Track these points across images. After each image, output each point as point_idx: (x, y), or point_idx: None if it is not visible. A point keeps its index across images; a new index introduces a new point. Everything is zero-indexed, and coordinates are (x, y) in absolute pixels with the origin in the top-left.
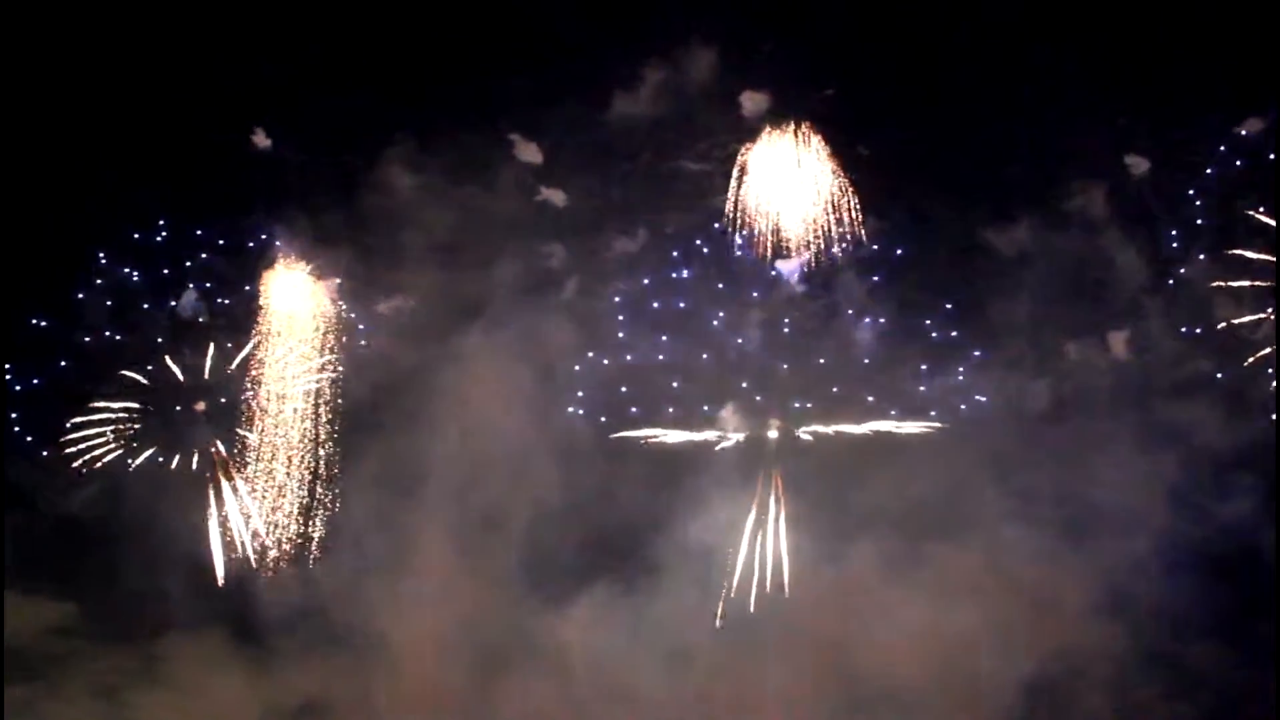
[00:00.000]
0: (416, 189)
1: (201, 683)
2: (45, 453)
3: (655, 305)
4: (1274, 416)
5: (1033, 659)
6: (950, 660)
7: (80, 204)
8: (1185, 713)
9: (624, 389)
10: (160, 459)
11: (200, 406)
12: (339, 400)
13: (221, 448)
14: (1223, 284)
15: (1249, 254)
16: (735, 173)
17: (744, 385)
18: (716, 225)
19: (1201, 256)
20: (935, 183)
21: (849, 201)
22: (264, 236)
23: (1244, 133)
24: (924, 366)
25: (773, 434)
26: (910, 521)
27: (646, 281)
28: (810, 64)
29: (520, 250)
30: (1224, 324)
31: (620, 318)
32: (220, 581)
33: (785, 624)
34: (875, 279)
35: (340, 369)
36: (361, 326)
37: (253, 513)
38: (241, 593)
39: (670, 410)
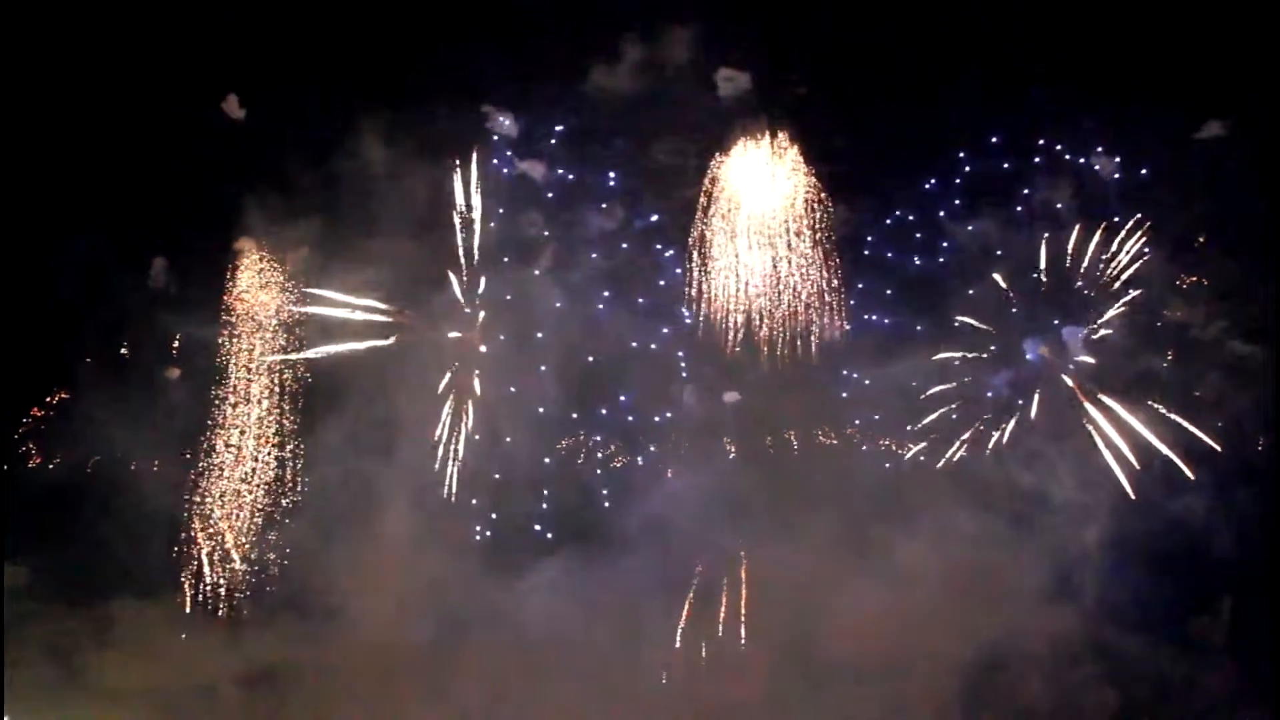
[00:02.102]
0: (390, 161)
1: (157, 646)
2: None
3: (628, 286)
4: (1274, 415)
5: (975, 641)
6: (898, 639)
7: (46, 177)
8: (1111, 699)
9: (591, 358)
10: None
11: (175, 372)
12: (302, 376)
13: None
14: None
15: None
16: (705, 185)
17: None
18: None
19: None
20: (902, 175)
21: (821, 198)
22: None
23: (1203, 136)
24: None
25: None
26: (863, 506)
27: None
28: (785, 54)
29: (496, 222)
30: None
31: (593, 295)
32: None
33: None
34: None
35: (304, 342)
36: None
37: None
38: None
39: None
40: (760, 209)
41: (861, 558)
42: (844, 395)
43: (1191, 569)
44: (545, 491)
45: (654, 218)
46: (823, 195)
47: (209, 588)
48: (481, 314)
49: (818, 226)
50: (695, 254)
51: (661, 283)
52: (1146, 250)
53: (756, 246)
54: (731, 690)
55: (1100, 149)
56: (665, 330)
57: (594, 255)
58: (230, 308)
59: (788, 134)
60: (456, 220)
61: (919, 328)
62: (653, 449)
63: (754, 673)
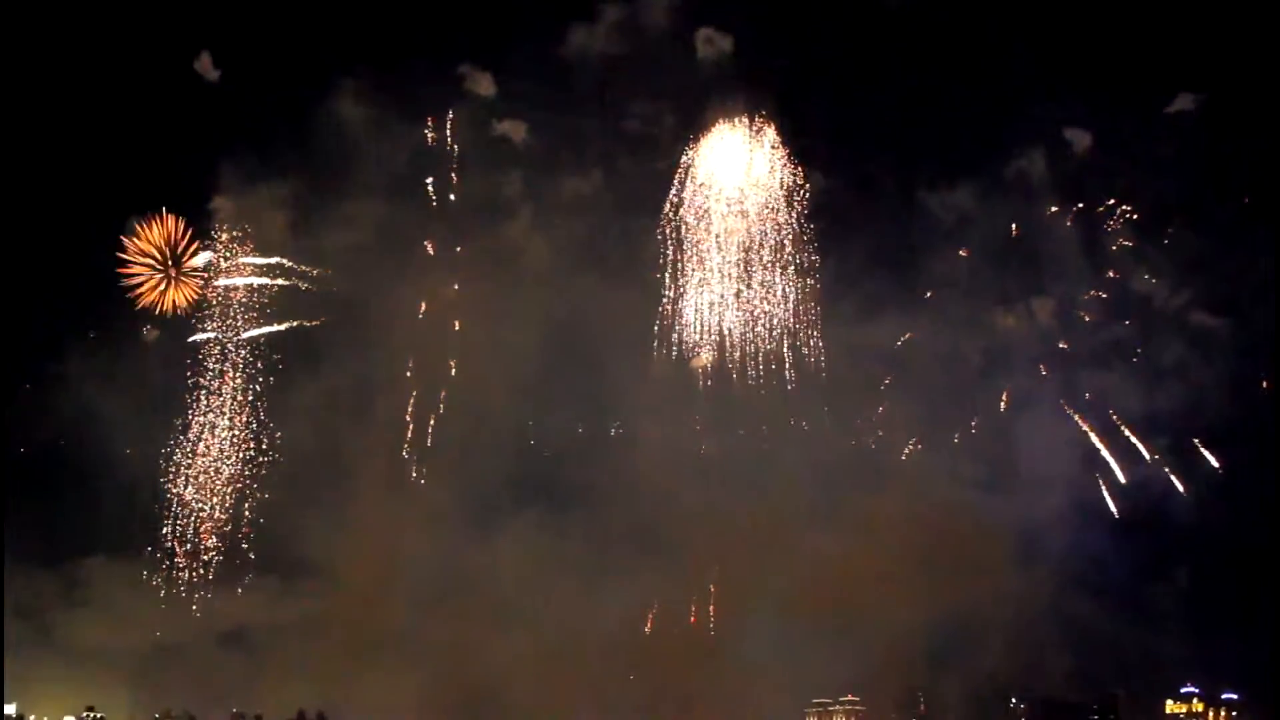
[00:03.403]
0: (368, 120)
1: (127, 606)
2: None
3: (603, 255)
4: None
5: (942, 601)
6: (868, 595)
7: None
8: (1066, 665)
9: (564, 328)
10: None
11: (152, 333)
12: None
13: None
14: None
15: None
16: (684, 158)
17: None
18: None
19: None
20: (879, 145)
21: (798, 175)
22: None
23: (1176, 110)
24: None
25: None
26: (836, 468)
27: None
28: (767, 23)
29: (475, 181)
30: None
31: (568, 262)
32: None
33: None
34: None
35: (277, 315)
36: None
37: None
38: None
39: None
40: (737, 183)
41: (829, 529)
42: (815, 378)
43: (1150, 538)
44: (517, 460)
45: (631, 185)
46: (799, 171)
47: (182, 550)
48: (455, 286)
49: (793, 202)
50: (670, 227)
51: (637, 252)
52: (1120, 224)
53: (733, 218)
54: (699, 657)
55: (1078, 123)
56: (639, 299)
57: (570, 221)
58: (203, 278)
59: (766, 107)
60: (430, 186)
61: (892, 302)
62: (620, 424)
63: (721, 638)
